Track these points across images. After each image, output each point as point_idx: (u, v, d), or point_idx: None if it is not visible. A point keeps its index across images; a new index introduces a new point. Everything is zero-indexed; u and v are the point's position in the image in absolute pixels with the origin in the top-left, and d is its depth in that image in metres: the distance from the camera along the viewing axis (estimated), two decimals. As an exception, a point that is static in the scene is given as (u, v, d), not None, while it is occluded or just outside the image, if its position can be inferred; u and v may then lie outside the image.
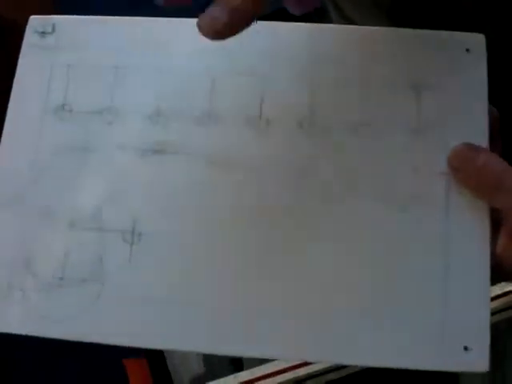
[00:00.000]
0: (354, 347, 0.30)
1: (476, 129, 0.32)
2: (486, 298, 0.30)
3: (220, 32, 0.27)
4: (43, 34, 0.35)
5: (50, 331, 0.30)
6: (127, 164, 0.32)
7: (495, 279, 0.31)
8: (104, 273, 0.31)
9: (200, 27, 0.27)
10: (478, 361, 0.29)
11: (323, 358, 0.31)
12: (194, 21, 0.34)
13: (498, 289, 0.46)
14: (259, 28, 0.34)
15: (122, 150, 0.33)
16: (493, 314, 0.31)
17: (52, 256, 0.31)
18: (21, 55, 0.35)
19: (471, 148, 0.31)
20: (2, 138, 0.33)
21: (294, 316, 0.30)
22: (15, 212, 0.32)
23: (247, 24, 0.27)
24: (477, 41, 0.33)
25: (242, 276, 0.31)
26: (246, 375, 0.50)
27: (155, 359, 0.65)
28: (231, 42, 0.33)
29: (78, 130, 0.33)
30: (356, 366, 0.49)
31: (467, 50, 0.33)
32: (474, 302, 0.30)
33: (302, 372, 0.48)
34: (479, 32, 0.34)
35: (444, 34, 0.34)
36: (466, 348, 0.29)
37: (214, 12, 0.27)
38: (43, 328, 0.30)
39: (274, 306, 0.30)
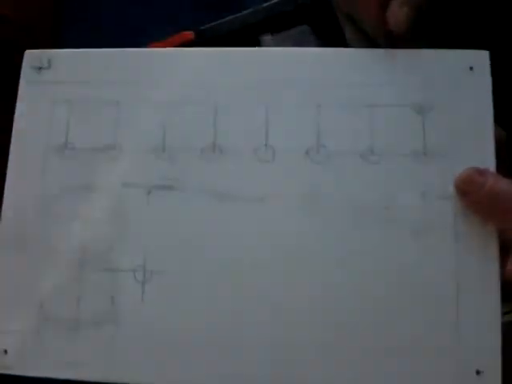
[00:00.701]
0: (370, 375, 0.30)
1: (483, 150, 0.32)
2: (497, 322, 0.30)
3: None
4: (40, 69, 0.34)
5: (66, 374, 0.31)
6: (134, 201, 0.32)
7: (506, 301, 0.31)
8: (117, 313, 0.31)
9: None
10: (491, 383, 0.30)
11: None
12: (194, 50, 0.34)
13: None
14: (261, 55, 0.33)
15: (128, 188, 0.32)
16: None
17: (65, 299, 0.32)
18: (19, 91, 0.34)
19: (478, 172, 0.31)
20: (7, 179, 0.33)
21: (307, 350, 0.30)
22: (23, 253, 0.32)
23: None
24: (481, 58, 0.33)
25: (257, 313, 0.31)
26: None
27: None
28: (233, 71, 0.33)
29: (82, 168, 0.33)
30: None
31: (471, 68, 0.33)
32: (485, 326, 0.30)
33: None
34: (482, 47, 0.33)
35: (446, 52, 0.33)
36: (478, 372, 0.30)
37: None
38: (62, 372, 0.31)
39: (294, 343, 0.31)
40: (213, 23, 0.57)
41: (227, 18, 0.56)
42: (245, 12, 0.55)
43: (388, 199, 0.32)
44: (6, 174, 0.33)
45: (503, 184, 0.30)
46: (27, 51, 0.35)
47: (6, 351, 0.32)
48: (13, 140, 0.34)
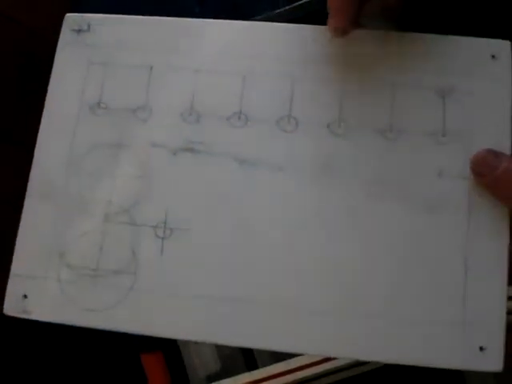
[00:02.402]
0: (377, 345, 0.31)
1: (499, 135, 0.33)
2: (503, 300, 0.31)
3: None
4: (79, 31, 0.36)
5: (84, 321, 0.32)
6: (160, 161, 0.34)
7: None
8: (136, 265, 0.32)
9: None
10: (493, 361, 0.30)
11: (348, 354, 0.32)
12: (226, 22, 0.35)
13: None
14: (290, 30, 0.35)
15: (156, 147, 0.34)
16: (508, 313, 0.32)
17: (86, 248, 0.33)
18: (57, 52, 0.36)
19: (493, 154, 0.32)
20: (39, 132, 0.35)
21: (321, 313, 0.31)
22: (50, 204, 0.34)
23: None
24: (502, 47, 0.34)
25: (267, 273, 0.32)
26: (260, 373, 0.52)
27: (172, 355, 0.67)
28: (262, 44, 0.34)
29: (113, 127, 0.34)
30: (372, 364, 0.51)
31: (493, 56, 0.34)
32: (491, 304, 0.31)
33: (313, 371, 0.50)
34: (502, 36, 0.34)
35: (470, 39, 0.34)
36: (481, 348, 0.31)
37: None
38: (78, 317, 0.32)
39: (304, 303, 0.32)
40: None
41: (251, 20, 0.58)
42: (258, 17, 0.57)
43: (404, 176, 0.33)
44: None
45: None
46: (67, 14, 0.36)
47: (25, 296, 0.33)
48: (47, 97, 0.35)
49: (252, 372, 0.53)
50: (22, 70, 0.76)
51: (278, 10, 0.53)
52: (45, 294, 0.33)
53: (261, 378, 0.52)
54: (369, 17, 0.46)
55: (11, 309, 0.33)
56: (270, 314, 0.32)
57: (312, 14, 0.51)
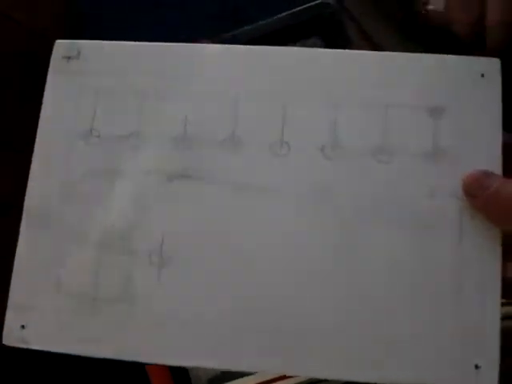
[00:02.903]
0: (370, 364, 0.32)
1: (490, 154, 0.33)
2: (497, 319, 0.32)
3: None
4: (69, 58, 0.36)
5: (83, 350, 0.32)
6: (154, 188, 0.34)
7: (505, 300, 0.32)
8: (132, 293, 0.33)
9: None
10: (488, 379, 0.31)
11: (339, 375, 0.32)
12: (218, 47, 0.35)
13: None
14: (282, 54, 0.35)
15: (149, 175, 0.34)
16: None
17: (83, 276, 0.33)
18: (48, 79, 0.36)
19: (485, 174, 0.32)
20: (32, 160, 0.35)
21: (318, 333, 0.32)
22: (45, 232, 0.34)
23: None
24: (492, 66, 0.34)
25: (264, 299, 0.32)
26: (262, 377, 0.52)
27: None
28: (253, 66, 0.35)
29: (106, 155, 0.34)
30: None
31: (482, 75, 0.34)
32: (484, 323, 0.31)
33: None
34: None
35: (459, 58, 0.34)
36: (476, 366, 0.31)
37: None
38: (77, 347, 0.32)
39: (300, 329, 0.32)
40: (232, 32, 0.59)
41: (246, 28, 0.58)
42: (262, 22, 0.57)
43: (396, 197, 0.33)
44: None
45: (509, 187, 0.31)
46: (57, 41, 0.36)
47: (23, 326, 0.33)
48: (39, 126, 0.35)
49: (255, 375, 0.54)
50: (22, 70, 0.75)
51: (279, 16, 0.53)
52: (43, 323, 0.33)
53: (263, 381, 0.53)
54: (373, 21, 0.47)
55: (10, 339, 0.33)
56: (268, 338, 0.32)
57: (312, 20, 0.51)
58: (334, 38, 0.47)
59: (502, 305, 0.37)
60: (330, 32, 0.37)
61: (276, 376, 0.51)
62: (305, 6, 0.56)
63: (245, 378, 0.53)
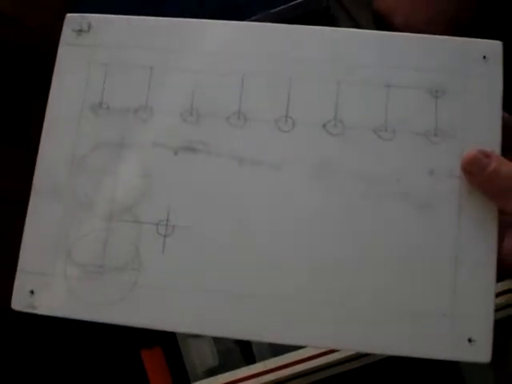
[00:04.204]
0: (369, 335, 0.33)
1: (490, 134, 0.34)
2: (491, 294, 0.33)
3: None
4: (80, 32, 0.36)
5: (90, 315, 0.33)
6: (162, 160, 0.35)
7: (500, 276, 0.33)
8: (140, 262, 0.34)
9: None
10: (481, 352, 0.32)
11: (341, 345, 0.34)
12: (224, 23, 0.36)
13: (501, 286, 0.49)
14: (287, 32, 0.36)
15: (157, 147, 0.35)
16: (497, 310, 0.33)
17: (91, 245, 0.34)
18: (58, 52, 0.36)
19: (484, 153, 0.33)
20: (43, 131, 0.36)
21: (318, 305, 0.33)
22: (55, 201, 0.35)
23: None
24: (494, 48, 0.35)
25: (265, 267, 0.33)
26: (258, 367, 0.53)
27: (171, 351, 0.69)
28: (260, 42, 0.35)
29: (115, 127, 0.35)
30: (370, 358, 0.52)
31: (484, 57, 0.35)
32: (480, 297, 0.33)
33: (310, 365, 0.51)
34: (495, 37, 0.35)
35: (462, 40, 0.35)
36: (470, 340, 0.32)
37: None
38: (85, 313, 0.33)
39: (300, 297, 0.33)
40: None
41: (248, 20, 0.59)
42: (255, 17, 0.58)
43: (397, 174, 0.34)
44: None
45: (506, 166, 0.32)
46: (68, 15, 0.37)
47: (32, 291, 0.34)
48: (50, 98, 0.36)
49: (250, 366, 0.55)
50: (23, 67, 0.76)
51: (275, 10, 0.54)
52: (51, 289, 0.34)
53: (259, 372, 0.54)
54: (364, 12, 0.48)
55: (18, 304, 0.34)
56: (269, 307, 0.33)
57: (308, 14, 0.52)
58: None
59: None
60: (324, 25, 0.38)
61: (272, 367, 0.52)
62: (300, 1, 0.57)
63: (239, 370, 0.54)
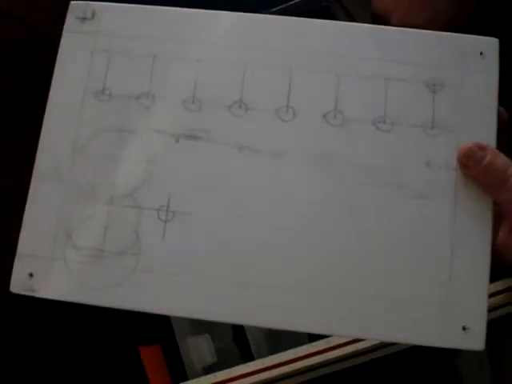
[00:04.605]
0: (365, 322, 0.33)
1: (485, 128, 0.35)
2: (486, 284, 0.33)
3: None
4: (83, 19, 0.37)
5: (90, 299, 0.33)
6: (163, 147, 0.35)
7: (494, 267, 0.34)
8: (140, 246, 0.34)
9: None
10: (475, 340, 0.33)
11: (338, 331, 0.34)
12: (229, 14, 0.36)
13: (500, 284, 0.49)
14: (289, 24, 0.36)
15: (159, 134, 0.35)
16: (493, 309, 0.34)
17: (92, 230, 0.34)
18: (62, 39, 0.37)
19: (479, 146, 0.34)
20: (45, 116, 0.36)
21: (317, 293, 0.33)
22: (56, 186, 0.35)
23: None
24: (491, 45, 0.36)
25: (264, 254, 0.34)
26: (256, 365, 0.54)
27: (169, 348, 0.69)
28: (263, 33, 0.36)
29: (117, 113, 0.35)
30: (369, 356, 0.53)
31: (481, 53, 0.36)
32: (474, 286, 0.33)
33: (307, 363, 0.52)
34: (491, 35, 0.36)
35: (460, 37, 0.36)
36: (464, 328, 0.33)
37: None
38: (84, 296, 0.33)
39: (299, 284, 0.33)
40: None
41: None
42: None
43: (395, 165, 0.35)
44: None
45: (501, 159, 0.33)
46: (72, 2, 0.37)
47: (31, 274, 0.34)
48: (52, 84, 0.36)
49: (248, 364, 0.55)
50: (23, 66, 0.76)
51: (275, 9, 0.55)
52: (51, 272, 0.34)
53: (256, 370, 0.54)
54: (362, 10, 0.48)
55: (17, 286, 0.34)
56: (266, 294, 0.33)
57: (307, 13, 0.53)
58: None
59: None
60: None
61: (269, 365, 0.53)
62: (300, 0, 0.58)
63: (237, 367, 0.54)
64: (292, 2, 0.57)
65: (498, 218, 0.34)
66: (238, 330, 0.63)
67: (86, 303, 0.33)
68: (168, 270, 0.34)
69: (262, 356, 0.56)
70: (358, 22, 0.51)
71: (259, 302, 0.33)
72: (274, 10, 0.57)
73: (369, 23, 0.51)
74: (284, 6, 0.57)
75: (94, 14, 0.37)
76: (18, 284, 0.34)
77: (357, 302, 0.33)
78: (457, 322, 0.33)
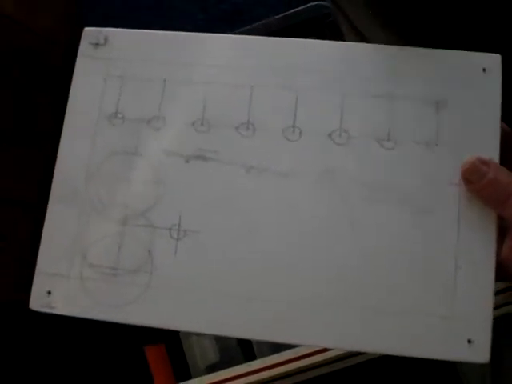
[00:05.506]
0: (369, 335, 0.34)
1: (488, 143, 0.35)
2: (490, 297, 0.34)
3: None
4: (96, 45, 0.38)
5: (105, 315, 0.35)
6: (174, 167, 0.36)
7: (498, 280, 0.34)
8: (152, 264, 0.35)
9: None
10: (480, 353, 0.33)
11: (340, 345, 0.35)
12: (237, 37, 0.38)
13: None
14: (294, 45, 0.37)
15: (169, 155, 0.36)
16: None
17: (106, 249, 0.36)
18: (76, 64, 0.38)
19: (482, 161, 0.34)
20: (61, 140, 0.37)
21: (322, 306, 0.34)
22: (72, 207, 0.36)
23: None
24: (493, 61, 0.36)
25: (271, 272, 0.35)
26: (258, 364, 0.55)
27: (174, 347, 0.71)
28: (268, 57, 0.37)
29: (129, 136, 0.37)
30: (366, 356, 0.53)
31: (484, 69, 0.36)
32: (479, 300, 0.34)
33: (307, 362, 0.53)
34: (489, 49, 0.37)
35: (462, 54, 0.37)
36: (469, 341, 0.33)
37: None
38: (99, 312, 0.35)
39: (304, 299, 0.34)
40: (238, 30, 0.62)
41: (245, 29, 0.61)
42: (260, 23, 0.60)
43: (399, 182, 0.35)
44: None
45: (504, 174, 0.34)
46: (86, 28, 0.39)
47: (49, 292, 0.36)
48: (68, 108, 0.38)
49: (250, 363, 0.56)
50: (23, 69, 0.78)
51: (277, 16, 0.56)
52: (68, 290, 0.35)
53: (258, 369, 0.55)
54: (368, 22, 0.49)
55: (36, 304, 0.36)
56: (271, 309, 0.34)
57: (309, 21, 0.54)
58: (329, 38, 0.50)
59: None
60: (325, 32, 0.39)
61: (271, 364, 0.54)
62: (302, 8, 0.59)
63: (240, 366, 0.55)
64: (293, 10, 0.58)
65: (501, 232, 0.34)
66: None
67: (101, 320, 0.35)
68: (180, 286, 0.35)
69: (264, 355, 0.57)
70: (358, 28, 0.51)
71: (264, 316, 0.34)
72: (277, 17, 0.58)
73: (370, 30, 0.51)
74: (286, 13, 0.58)
75: (106, 39, 0.38)
76: (37, 301, 0.36)
77: (360, 316, 0.34)
78: (461, 335, 0.33)
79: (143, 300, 0.35)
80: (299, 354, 0.54)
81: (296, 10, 0.60)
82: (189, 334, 0.68)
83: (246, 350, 0.65)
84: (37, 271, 0.36)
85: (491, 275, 0.34)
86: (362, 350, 0.34)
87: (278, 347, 0.57)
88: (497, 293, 0.48)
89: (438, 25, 0.42)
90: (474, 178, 0.34)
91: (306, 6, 0.61)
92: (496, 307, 0.47)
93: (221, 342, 0.66)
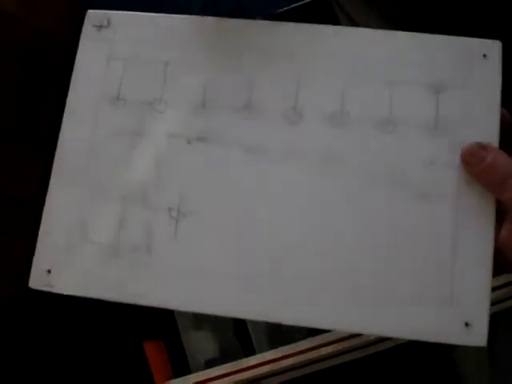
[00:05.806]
0: (367, 316, 0.34)
1: (488, 128, 0.35)
2: (488, 280, 0.34)
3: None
4: (100, 27, 0.39)
5: (104, 294, 0.35)
6: (175, 149, 0.37)
7: (496, 264, 0.34)
8: (152, 244, 0.35)
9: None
10: (478, 336, 0.33)
11: (337, 326, 0.35)
12: (237, 21, 0.38)
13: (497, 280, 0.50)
14: (295, 29, 0.37)
15: (171, 136, 0.37)
16: (492, 304, 0.34)
17: (107, 227, 0.36)
18: (79, 46, 0.39)
19: (482, 146, 0.35)
20: (63, 121, 0.38)
21: (321, 288, 0.34)
22: (73, 186, 0.37)
23: None
24: (494, 47, 0.37)
25: (269, 251, 0.35)
26: (257, 359, 0.55)
27: (173, 343, 0.71)
28: (269, 41, 0.37)
29: (131, 118, 0.37)
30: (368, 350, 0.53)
31: (484, 55, 0.36)
32: (477, 283, 0.34)
33: (307, 357, 0.53)
34: (489, 35, 0.37)
35: (463, 39, 0.37)
36: (466, 324, 0.33)
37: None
38: (98, 291, 0.35)
39: (302, 279, 0.34)
40: None
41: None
42: (260, 18, 0.60)
43: (399, 165, 0.35)
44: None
45: (503, 159, 0.34)
46: (89, 11, 0.39)
47: (49, 271, 0.36)
48: (70, 89, 0.38)
49: (249, 357, 0.56)
50: (24, 67, 0.78)
51: (276, 12, 0.56)
52: (68, 269, 0.36)
53: (257, 363, 0.55)
54: (369, 19, 0.49)
55: (36, 282, 0.36)
56: (274, 288, 0.34)
57: (308, 16, 0.54)
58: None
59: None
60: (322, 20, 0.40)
61: (270, 359, 0.54)
62: (302, 3, 0.59)
63: (239, 361, 0.55)
64: (294, 5, 0.59)
65: (500, 216, 0.34)
66: (240, 325, 0.65)
67: (100, 298, 0.35)
68: (179, 266, 0.35)
69: (263, 350, 0.57)
70: (354, 19, 0.51)
71: (263, 297, 0.34)
72: (274, 13, 0.59)
73: (365, 19, 0.51)
74: (287, 8, 0.58)
75: (109, 22, 0.39)
76: (37, 280, 0.36)
77: (359, 297, 0.34)
78: (459, 319, 0.34)
79: (143, 279, 0.35)
80: (298, 349, 0.54)
81: (297, 4, 0.61)
82: (188, 329, 0.68)
83: (245, 344, 0.65)
84: (37, 249, 0.36)
85: (489, 259, 0.34)
86: (359, 332, 0.34)
87: (276, 342, 0.57)
88: (497, 288, 0.48)
89: (434, 17, 0.42)
90: (473, 162, 0.34)
91: (306, 1, 0.61)
92: (496, 302, 0.48)
93: (220, 336, 0.66)
